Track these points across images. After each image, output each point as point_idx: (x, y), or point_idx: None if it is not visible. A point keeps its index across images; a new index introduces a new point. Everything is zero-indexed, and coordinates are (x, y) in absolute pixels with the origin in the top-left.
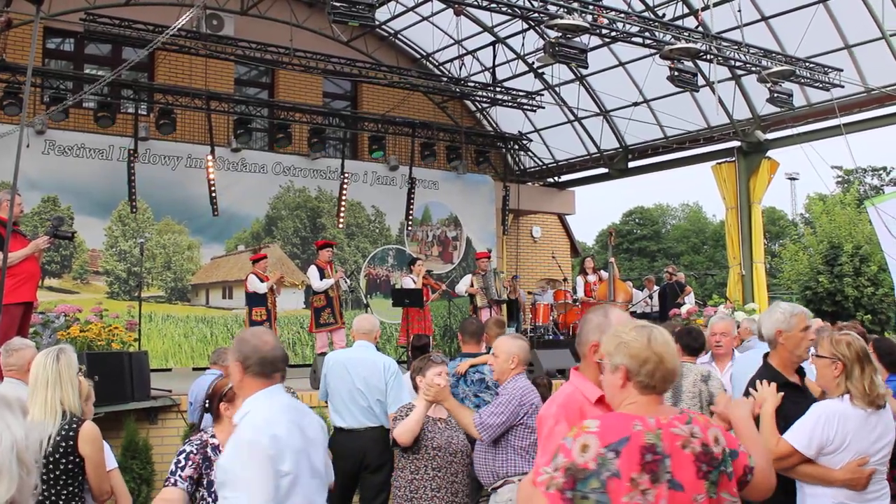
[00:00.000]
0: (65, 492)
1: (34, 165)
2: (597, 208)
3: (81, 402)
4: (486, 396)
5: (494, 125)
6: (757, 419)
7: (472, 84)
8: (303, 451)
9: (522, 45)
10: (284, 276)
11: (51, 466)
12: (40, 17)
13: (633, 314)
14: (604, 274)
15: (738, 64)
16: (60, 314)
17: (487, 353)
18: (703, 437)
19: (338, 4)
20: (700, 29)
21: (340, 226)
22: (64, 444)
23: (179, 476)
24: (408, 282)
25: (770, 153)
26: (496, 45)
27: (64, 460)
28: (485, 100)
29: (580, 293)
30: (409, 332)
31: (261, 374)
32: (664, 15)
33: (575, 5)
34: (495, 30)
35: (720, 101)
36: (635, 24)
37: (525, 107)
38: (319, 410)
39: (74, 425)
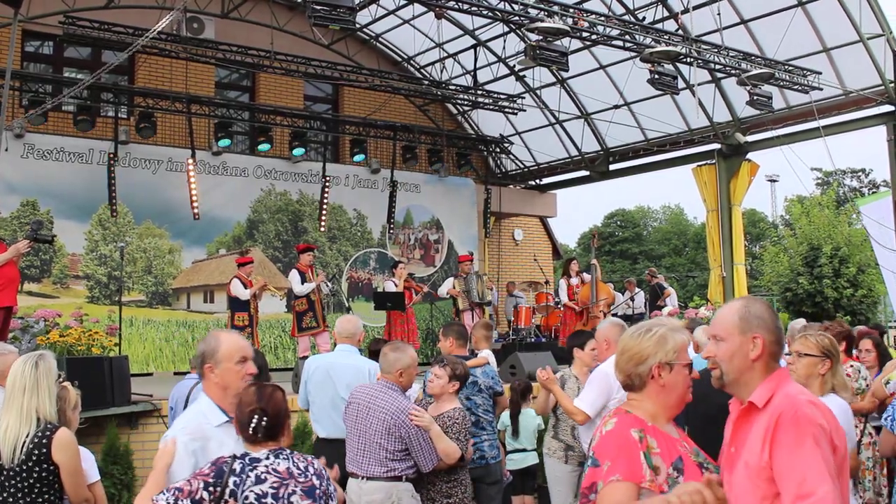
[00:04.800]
0: (40, 500)
1: (13, 169)
2: (578, 211)
3: (68, 410)
4: (478, 399)
5: (476, 128)
6: None
7: (454, 87)
8: None
9: (503, 48)
10: (268, 282)
11: (24, 475)
12: (18, 20)
13: (615, 316)
14: (586, 276)
15: (717, 67)
16: (40, 319)
17: (473, 356)
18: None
19: (318, 7)
20: (680, 32)
21: (322, 229)
22: (37, 452)
23: None
24: (389, 285)
25: (750, 155)
26: (477, 49)
27: (38, 468)
28: (466, 103)
29: (563, 296)
30: (392, 335)
31: None
32: (644, 18)
33: (555, 8)
34: (476, 33)
35: (700, 104)
36: (616, 27)
37: (506, 110)
38: (301, 415)
39: (48, 433)
